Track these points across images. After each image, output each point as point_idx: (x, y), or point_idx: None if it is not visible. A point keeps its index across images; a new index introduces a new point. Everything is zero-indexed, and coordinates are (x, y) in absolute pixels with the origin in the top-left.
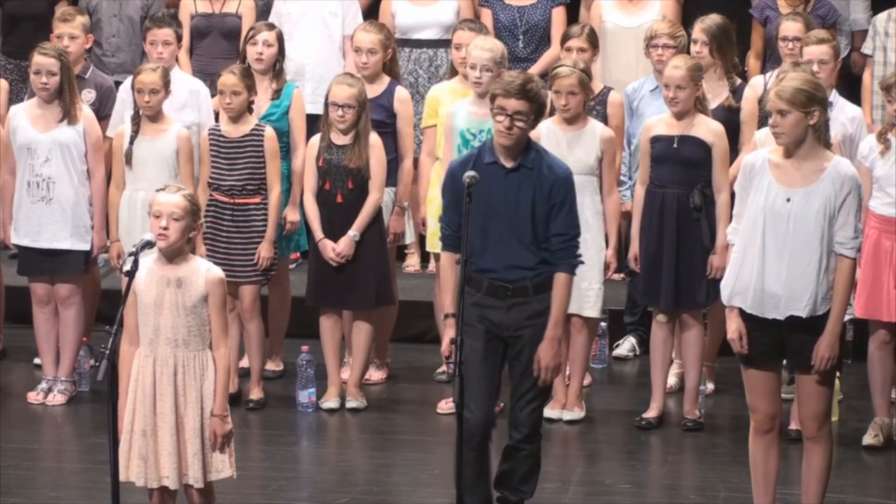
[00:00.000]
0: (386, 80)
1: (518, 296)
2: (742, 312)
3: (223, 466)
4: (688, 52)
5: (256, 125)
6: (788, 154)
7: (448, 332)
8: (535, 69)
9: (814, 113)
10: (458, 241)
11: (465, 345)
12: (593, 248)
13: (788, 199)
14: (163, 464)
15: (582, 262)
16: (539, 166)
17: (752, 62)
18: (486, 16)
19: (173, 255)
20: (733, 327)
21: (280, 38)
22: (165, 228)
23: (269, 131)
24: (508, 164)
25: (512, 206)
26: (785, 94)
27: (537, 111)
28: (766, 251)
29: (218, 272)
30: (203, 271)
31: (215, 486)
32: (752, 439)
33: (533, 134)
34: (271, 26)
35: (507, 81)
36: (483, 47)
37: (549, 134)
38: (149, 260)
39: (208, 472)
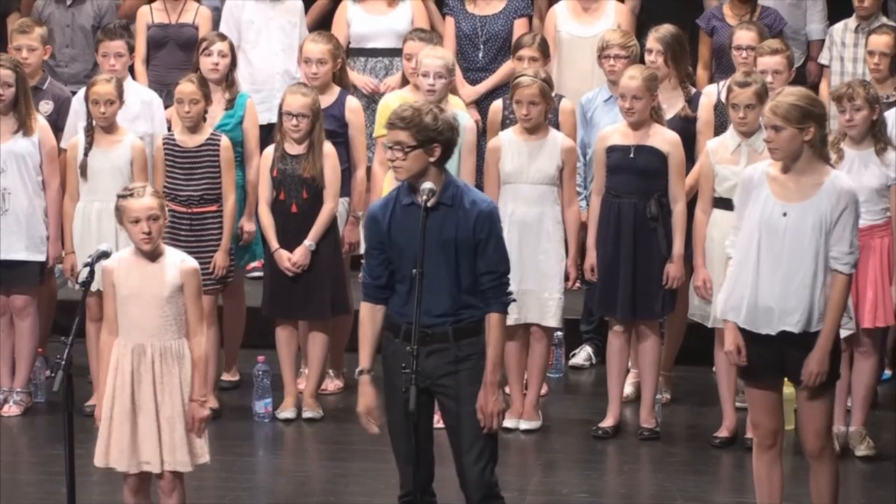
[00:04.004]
0: (336, 90)
1: (437, 341)
2: (739, 328)
3: (203, 451)
4: (641, 62)
5: (212, 134)
6: (786, 169)
7: (363, 391)
8: (492, 80)
9: (809, 129)
10: (379, 292)
11: (388, 417)
12: (554, 257)
13: (785, 214)
14: (144, 449)
15: (514, 300)
16: (460, 202)
17: (700, 72)
18: (450, 24)
19: (156, 253)
20: (730, 339)
21: (233, 48)
22: (149, 233)
23: (224, 140)
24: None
25: (434, 246)
26: (780, 109)
27: (423, 141)
28: (761, 265)
29: (192, 262)
30: (178, 262)
31: None
32: (755, 455)
33: (493, 144)
34: (223, 37)
35: (394, 110)
36: (434, 55)
37: (510, 144)
38: (126, 252)
39: (194, 456)
